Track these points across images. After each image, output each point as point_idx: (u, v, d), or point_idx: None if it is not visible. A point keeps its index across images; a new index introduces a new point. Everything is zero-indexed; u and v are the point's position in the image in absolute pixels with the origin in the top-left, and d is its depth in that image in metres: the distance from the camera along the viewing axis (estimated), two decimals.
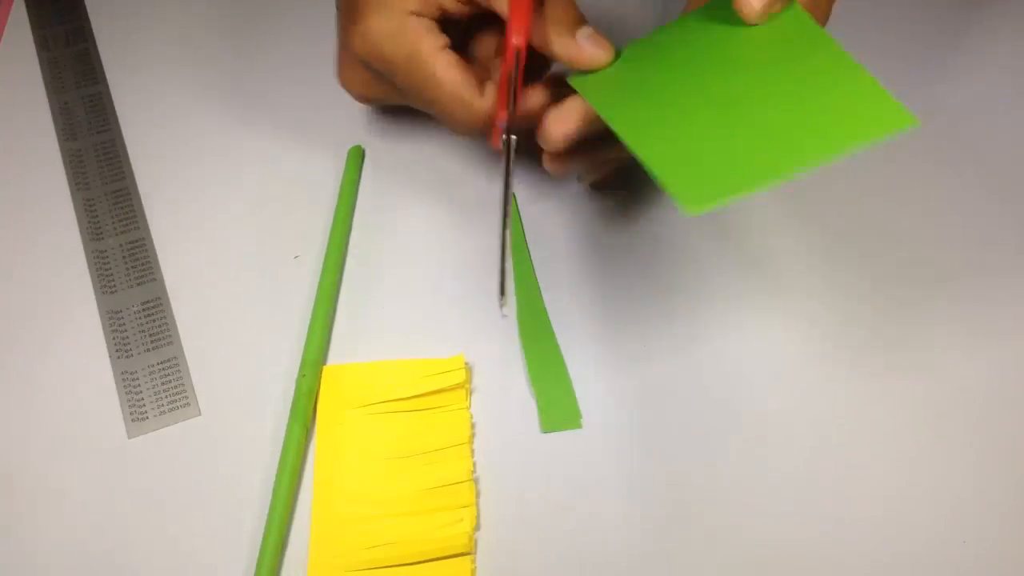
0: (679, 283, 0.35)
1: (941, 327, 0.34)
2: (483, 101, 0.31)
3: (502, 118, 0.30)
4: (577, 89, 0.29)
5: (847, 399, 0.32)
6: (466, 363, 0.32)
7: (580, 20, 0.30)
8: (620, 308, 0.34)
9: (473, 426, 0.31)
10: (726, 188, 0.24)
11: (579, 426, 0.31)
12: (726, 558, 0.29)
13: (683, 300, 0.34)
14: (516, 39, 0.29)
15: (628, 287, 0.35)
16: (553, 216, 0.37)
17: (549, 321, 0.34)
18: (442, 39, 0.31)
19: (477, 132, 0.32)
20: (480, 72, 0.31)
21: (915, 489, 0.30)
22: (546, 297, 0.35)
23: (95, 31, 0.45)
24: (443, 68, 0.30)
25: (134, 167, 0.39)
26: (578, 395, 0.32)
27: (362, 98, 0.36)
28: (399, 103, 0.35)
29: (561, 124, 0.30)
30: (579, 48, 0.30)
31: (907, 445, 0.31)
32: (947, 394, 0.32)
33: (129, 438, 0.31)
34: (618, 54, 0.30)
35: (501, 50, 0.32)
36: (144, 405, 0.32)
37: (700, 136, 0.26)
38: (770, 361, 0.33)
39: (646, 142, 0.26)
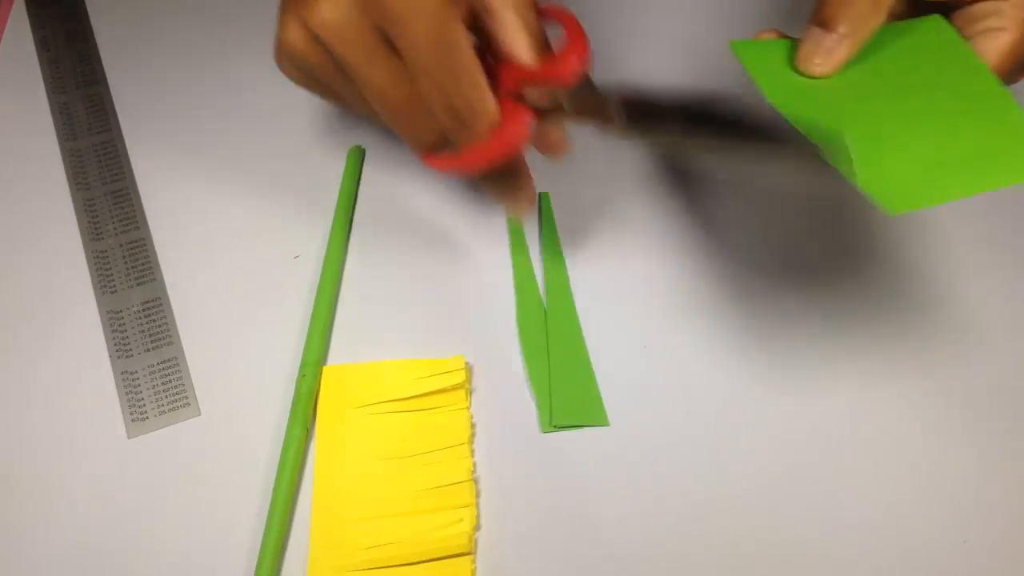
0: (682, 281, 0.35)
1: (941, 326, 0.34)
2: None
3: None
4: (750, 70, 0.29)
5: (851, 399, 0.32)
6: (466, 363, 0.32)
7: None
8: (621, 307, 0.34)
9: (473, 426, 0.31)
10: (928, 195, 0.25)
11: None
12: (727, 557, 0.29)
13: (688, 298, 0.34)
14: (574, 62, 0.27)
15: (628, 287, 0.35)
16: (574, 205, 0.37)
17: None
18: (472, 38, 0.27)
19: (485, 133, 0.28)
20: None
21: (915, 489, 0.30)
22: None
23: (95, 31, 0.45)
24: (480, 74, 0.27)
25: (134, 167, 0.39)
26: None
27: (302, 80, 0.31)
28: (333, 99, 0.31)
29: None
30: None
31: (908, 445, 0.31)
32: (948, 393, 0.32)
33: (129, 438, 0.31)
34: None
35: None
36: (144, 405, 0.32)
37: (889, 144, 0.26)
38: (772, 360, 0.33)
39: (838, 147, 0.26)
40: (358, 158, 0.39)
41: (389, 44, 0.27)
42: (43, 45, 0.44)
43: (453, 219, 0.37)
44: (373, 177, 0.39)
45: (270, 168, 0.39)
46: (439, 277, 0.35)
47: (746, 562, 0.29)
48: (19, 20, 0.45)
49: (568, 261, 0.36)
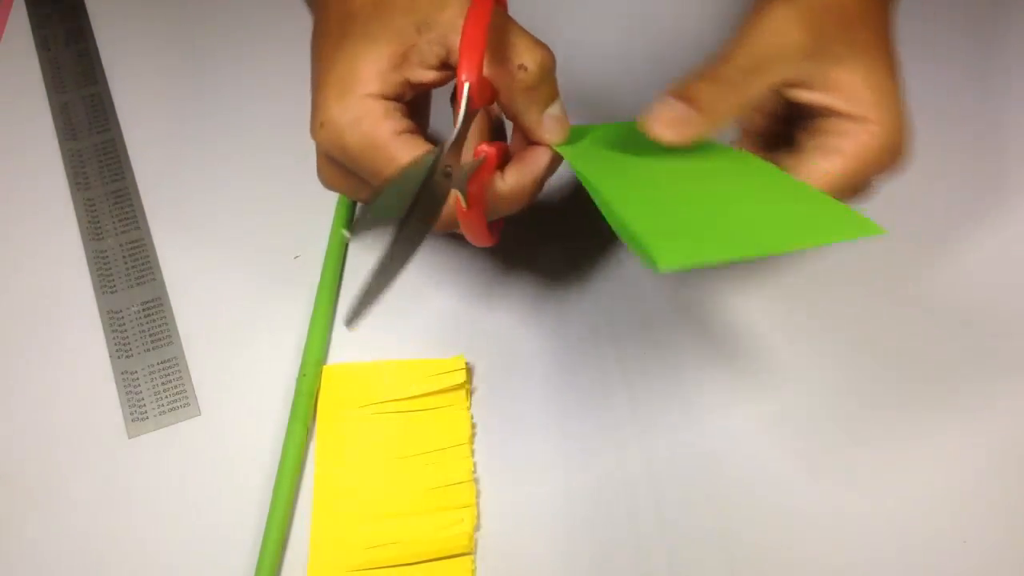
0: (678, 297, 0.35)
1: (941, 326, 0.34)
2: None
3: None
4: (561, 152, 0.29)
5: (849, 397, 0.32)
6: (466, 363, 0.32)
7: (553, 95, 0.28)
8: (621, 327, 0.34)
9: (473, 426, 0.31)
10: (702, 252, 0.23)
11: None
12: (727, 555, 0.29)
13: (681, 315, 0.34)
14: (465, 75, 0.25)
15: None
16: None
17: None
18: (404, 123, 0.27)
19: (451, 223, 0.28)
20: None
21: (915, 488, 0.30)
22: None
23: (95, 31, 0.45)
24: (405, 153, 0.27)
25: (134, 167, 0.39)
26: (579, 395, 0.32)
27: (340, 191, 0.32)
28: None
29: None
30: (541, 124, 0.28)
31: (907, 444, 0.31)
32: (946, 393, 0.32)
33: (129, 438, 0.31)
34: (591, 129, 0.30)
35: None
36: (144, 405, 0.32)
37: (681, 205, 0.26)
38: (759, 364, 0.33)
39: (625, 203, 0.25)
40: None
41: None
42: (43, 45, 0.44)
43: None
44: None
45: (270, 168, 0.39)
46: (439, 277, 0.35)
47: (744, 560, 0.29)
48: (19, 20, 0.45)
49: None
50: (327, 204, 0.37)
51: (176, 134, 0.40)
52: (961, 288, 0.35)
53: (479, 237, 0.29)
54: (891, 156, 0.28)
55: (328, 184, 0.31)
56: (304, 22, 0.45)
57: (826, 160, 0.28)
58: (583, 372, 0.33)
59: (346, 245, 0.36)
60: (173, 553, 0.29)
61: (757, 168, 0.28)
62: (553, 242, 0.36)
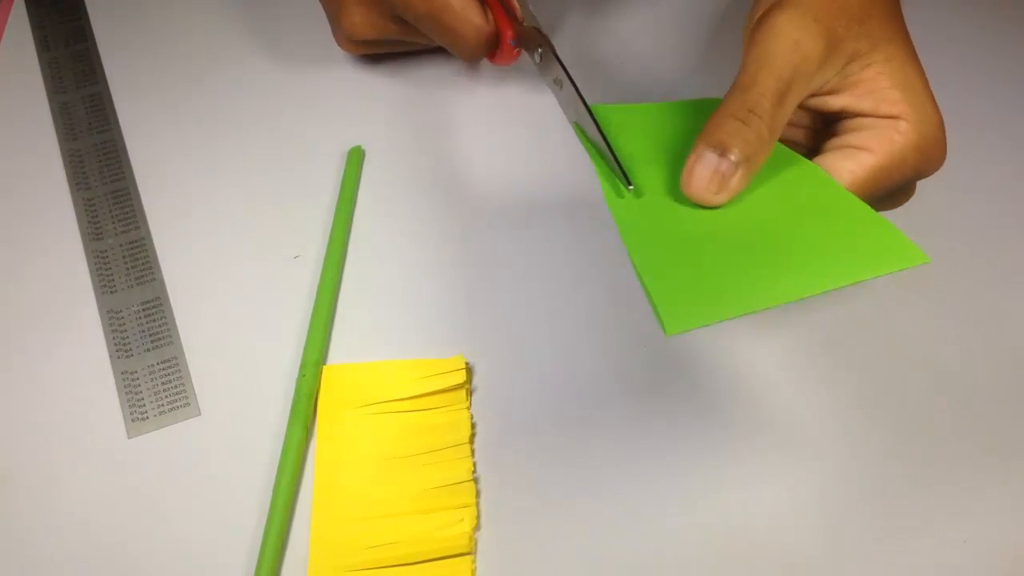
0: None
1: (941, 326, 0.34)
2: (487, 23, 0.35)
3: (508, 36, 0.36)
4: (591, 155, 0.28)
5: (848, 397, 0.32)
6: (466, 363, 0.32)
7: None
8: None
9: (473, 426, 0.31)
10: (712, 311, 0.23)
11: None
12: (728, 553, 0.29)
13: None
14: None
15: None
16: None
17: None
18: None
19: (482, 52, 0.36)
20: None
21: (915, 488, 0.30)
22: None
23: (95, 31, 0.45)
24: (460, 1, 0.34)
25: (134, 167, 0.39)
26: (580, 394, 0.32)
27: (361, 44, 0.38)
28: (397, 39, 0.38)
29: None
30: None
31: (907, 443, 0.31)
32: (947, 392, 0.32)
33: (129, 438, 0.31)
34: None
35: None
36: (144, 405, 0.32)
37: (696, 254, 0.25)
38: (767, 353, 0.33)
39: (648, 255, 0.25)
40: (358, 158, 0.39)
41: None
42: (43, 45, 0.44)
43: (453, 218, 0.37)
44: (373, 177, 0.39)
45: (270, 168, 0.39)
46: (439, 277, 0.35)
47: (743, 557, 0.29)
48: (19, 20, 0.45)
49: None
50: (327, 204, 0.37)
51: (176, 134, 0.40)
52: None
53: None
54: (925, 155, 0.27)
55: (359, 33, 0.37)
56: (303, 22, 0.45)
57: (852, 160, 0.26)
58: (584, 371, 0.33)
59: (346, 245, 0.36)
60: (173, 553, 0.29)
61: (794, 179, 0.27)
62: (555, 240, 0.36)
